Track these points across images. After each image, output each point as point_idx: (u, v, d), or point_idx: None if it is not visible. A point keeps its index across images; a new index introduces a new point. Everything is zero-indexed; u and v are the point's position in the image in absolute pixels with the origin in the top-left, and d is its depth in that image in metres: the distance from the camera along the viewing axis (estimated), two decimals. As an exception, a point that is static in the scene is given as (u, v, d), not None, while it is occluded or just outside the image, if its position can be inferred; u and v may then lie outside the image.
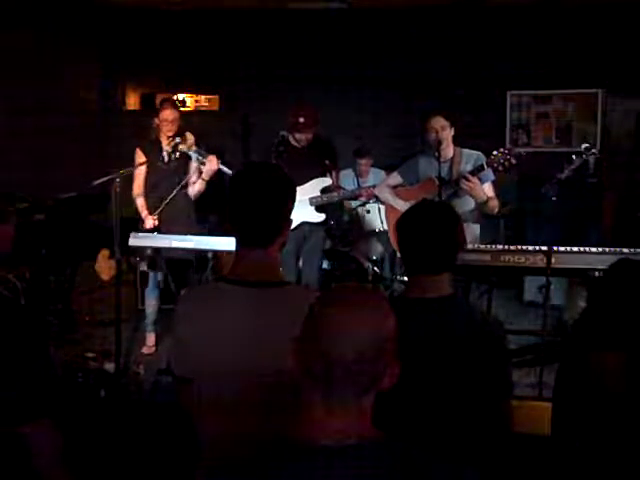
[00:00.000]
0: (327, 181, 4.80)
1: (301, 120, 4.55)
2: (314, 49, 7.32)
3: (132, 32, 7.44)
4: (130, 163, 4.57)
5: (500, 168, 3.98)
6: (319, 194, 4.77)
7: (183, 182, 4.59)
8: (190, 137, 4.68)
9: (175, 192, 4.51)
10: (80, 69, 7.34)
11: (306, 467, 1.17)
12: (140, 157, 4.64)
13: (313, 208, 4.76)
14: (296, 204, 5.22)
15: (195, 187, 4.70)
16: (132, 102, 8.41)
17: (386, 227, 4.98)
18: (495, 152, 4.00)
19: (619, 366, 2.00)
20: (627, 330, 2.02)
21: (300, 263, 4.94)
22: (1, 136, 5.95)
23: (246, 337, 1.73)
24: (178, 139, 4.57)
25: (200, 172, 4.66)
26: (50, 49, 6.70)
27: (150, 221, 4.58)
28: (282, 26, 7.28)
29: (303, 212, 4.72)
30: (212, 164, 4.55)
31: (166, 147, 4.64)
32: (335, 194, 4.83)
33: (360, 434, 1.20)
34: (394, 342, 1.24)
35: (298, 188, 5.17)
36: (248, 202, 1.81)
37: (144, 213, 4.65)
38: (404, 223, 2.03)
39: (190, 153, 4.62)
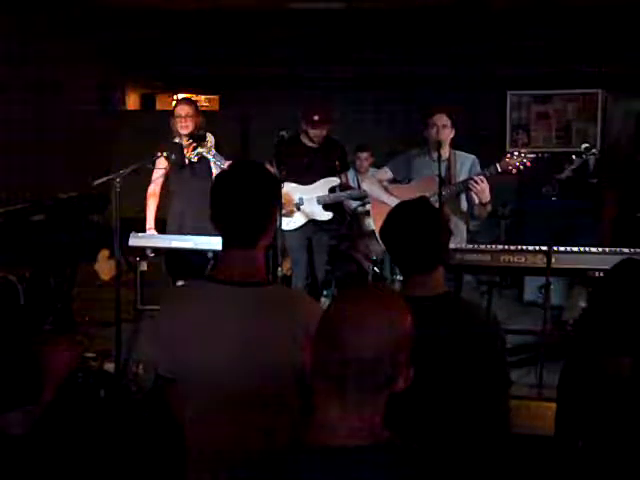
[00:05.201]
0: (335, 181, 4.86)
1: (316, 118, 4.59)
2: (314, 49, 7.32)
3: (132, 32, 7.43)
4: (131, 162, 4.52)
5: (514, 171, 3.99)
6: (327, 193, 4.83)
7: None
8: (210, 139, 4.54)
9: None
10: (80, 69, 7.33)
11: (322, 467, 1.17)
12: (161, 160, 4.58)
13: (321, 207, 4.82)
14: (304, 202, 5.27)
15: None
16: (132, 102, 8.41)
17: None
18: (510, 155, 4.00)
19: (625, 370, 2.00)
20: (633, 333, 2.02)
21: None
22: (1, 136, 5.95)
23: (231, 336, 1.73)
24: (201, 147, 4.44)
25: None
26: (50, 49, 6.70)
27: (151, 232, 4.59)
28: (282, 26, 7.27)
29: (311, 210, 4.81)
30: None
31: (186, 150, 4.52)
32: (343, 194, 4.92)
33: (374, 434, 1.21)
34: (410, 343, 1.24)
35: (307, 187, 5.22)
36: (231, 202, 1.80)
37: (150, 223, 4.66)
38: (387, 226, 2.03)
39: (208, 157, 4.47)
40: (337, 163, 4.82)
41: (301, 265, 4.90)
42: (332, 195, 4.85)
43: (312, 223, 4.85)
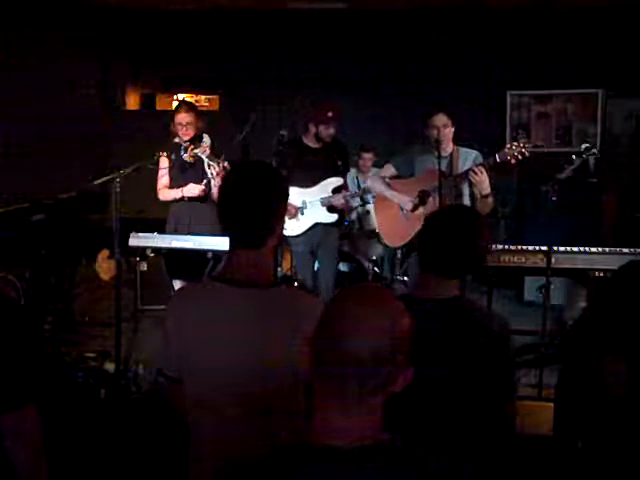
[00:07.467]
0: (337, 181, 4.76)
1: (330, 114, 4.54)
2: (314, 49, 7.31)
3: (132, 32, 7.44)
4: (131, 162, 4.52)
5: (513, 161, 3.96)
6: (330, 194, 4.74)
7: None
8: (207, 140, 4.52)
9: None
10: (80, 69, 7.33)
11: (322, 468, 1.17)
12: (163, 161, 4.59)
13: (325, 209, 4.73)
14: (309, 205, 5.21)
15: (214, 191, 4.50)
16: (132, 102, 8.41)
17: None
18: (509, 146, 3.99)
19: (621, 370, 2.00)
20: (630, 334, 2.02)
21: (316, 265, 4.89)
22: (1, 136, 5.95)
23: (238, 337, 1.72)
24: (197, 148, 4.43)
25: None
26: (50, 49, 6.70)
27: (196, 189, 4.48)
28: (282, 26, 7.28)
29: (316, 213, 4.72)
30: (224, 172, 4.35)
31: (184, 152, 4.50)
32: (347, 194, 4.83)
33: (374, 435, 1.20)
34: (409, 343, 1.23)
35: (311, 189, 5.15)
36: (238, 203, 1.77)
37: (180, 192, 4.57)
38: (431, 223, 2.05)
39: (203, 157, 4.43)
40: (340, 163, 4.74)
41: (308, 271, 4.79)
42: (336, 196, 4.73)
43: (318, 227, 4.75)
